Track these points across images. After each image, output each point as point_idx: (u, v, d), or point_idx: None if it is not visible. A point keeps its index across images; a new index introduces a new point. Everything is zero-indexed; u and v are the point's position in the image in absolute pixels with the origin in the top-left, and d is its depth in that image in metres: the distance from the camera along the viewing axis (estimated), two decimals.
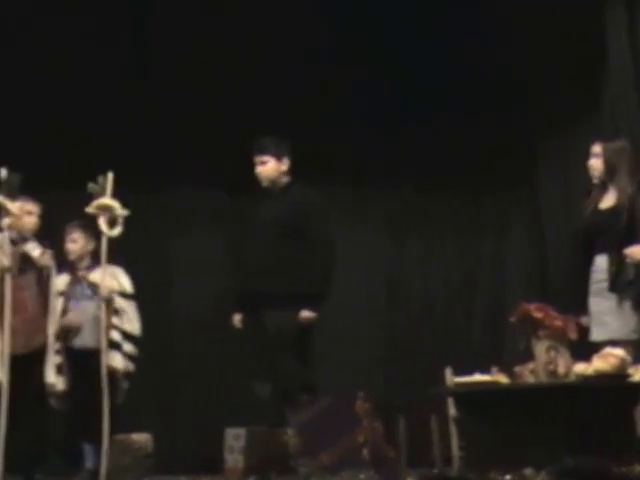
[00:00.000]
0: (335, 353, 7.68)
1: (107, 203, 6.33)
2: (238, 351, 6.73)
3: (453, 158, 8.29)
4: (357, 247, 8.35)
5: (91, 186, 6.28)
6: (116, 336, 6.56)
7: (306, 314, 6.23)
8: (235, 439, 6.00)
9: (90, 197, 6.29)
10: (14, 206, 6.21)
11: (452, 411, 6.25)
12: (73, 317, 6.59)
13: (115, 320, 6.59)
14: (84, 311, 6.62)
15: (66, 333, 6.60)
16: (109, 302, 6.53)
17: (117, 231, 6.36)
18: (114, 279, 6.66)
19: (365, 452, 5.91)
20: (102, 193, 6.32)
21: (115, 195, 6.33)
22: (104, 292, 6.48)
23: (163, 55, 7.97)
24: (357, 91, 8.08)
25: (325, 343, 7.20)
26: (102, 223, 6.33)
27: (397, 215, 8.60)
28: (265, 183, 6.45)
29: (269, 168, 6.40)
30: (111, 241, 6.35)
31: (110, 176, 6.32)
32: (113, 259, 6.58)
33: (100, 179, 6.32)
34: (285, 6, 7.80)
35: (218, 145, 7.81)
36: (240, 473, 5.99)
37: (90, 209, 6.34)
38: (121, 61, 7.91)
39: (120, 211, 6.34)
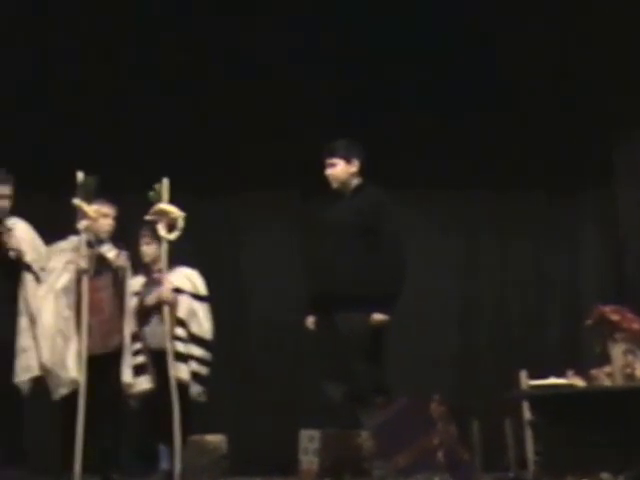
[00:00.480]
0: (410, 355, 7.67)
1: (163, 208, 6.46)
2: (312, 353, 6.73)
3: (529, 158, 8.21)
4: (430, 248, 8.30)
5: (150, 194, 6.41)
6: (180, 347, 6.60)
7: (378, 317, 6.20)
8: (309, 441, 5.99)
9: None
10: (90, 209, 6.33)
11: (527, 414, 6.20)
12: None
13: (179, 330, 6.62)
14: (158, 312, 6.61)
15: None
16: (172, 305, 6.58)
17: (175, 235, 6.47)
18: (188, 281, 6.72)
19: (440, 455, 5.87)
20: (159, 199, 6.45)
21: (186, 198, 6.45)
22: (165, 295, 6.55)
23: (227, 55, 7.99)
24: (422, 90, 8.04)
25: (400, 345, 7.21)
26: (160, 228, 6.47)
27: (471, 216, 8.53)
28: (335, 185, 6.47)
29: (338, 170, 6.42)
30: (186, 243, 6.46)
31: (165, 182, 6.44)
32: (188, 261, 6.68)
33: (157, 186, 6.44)
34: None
35: (293, 146, 7.82)
36: (314, 475, 5.99)
37: (149, 216, 6.49)
38: (186, 62, 7.95)
39: (176, 215, 6.44)
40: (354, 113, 7.78)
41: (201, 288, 6.75)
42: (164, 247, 6.47)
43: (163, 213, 6.44)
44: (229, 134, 7.96)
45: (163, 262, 6.50)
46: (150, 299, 6.63)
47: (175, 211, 6.44)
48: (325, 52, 7.87)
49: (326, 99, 7.86)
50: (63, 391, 6.28)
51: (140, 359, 6.57)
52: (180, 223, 6.44)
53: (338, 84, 7.89)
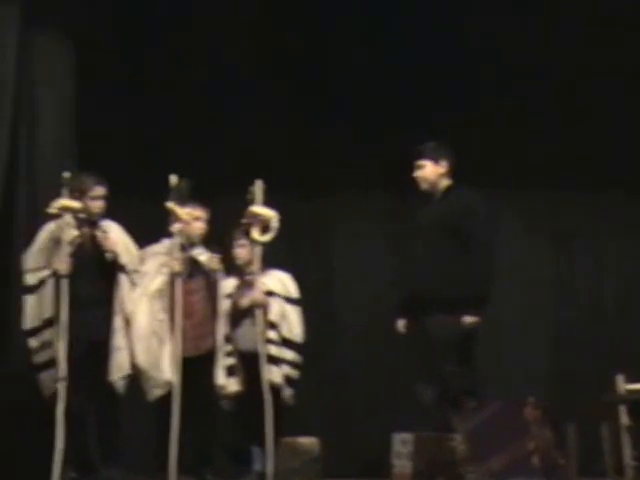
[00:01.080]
0: (504, 358, 7.61)
1: (257, 211, 6.49)
2: (403, 356, 6.71)
3: (628, 158, 8.07)
4: (524, 249, 8.21)
5: (248, 196, 6.44)
6: (273, 350, 6.59)
7: (469, 319, 6.19)
8: (402, 444, 5.98)
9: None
10: (183, 212, 6.39)
11: (624, 419, 6.09)
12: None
13: (271, 333, 6.61)
14: (250, 314, 6.61)
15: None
16: (264, 308, 6.58)
17: (268, 237, 6.50)
18: (280, 284, 6.71)
19: (535, 460, 5.82)
20: (253, 201, 6.48)
21: (281, 201, 6.46)
22: (258, 298, 6.56)
23: (316, 56, 8.02)
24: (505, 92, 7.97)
25: (493, 347, 7.16)
26: (253, 230, 6.50)
27: (565, 216, 8.41)
28: (424, 186, 6.49)
29: (426, 171, 6.44)
30: (279, 246, 6.50)
31: (259, 184, 6.47)
32: (283, 264, 6.73)
33: (252, 188, 6.47)
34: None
35: (386, 148, 7.79)
36: (408, 478, 5.97)
37: (245, 219, 6.52)
38: (280, 62, 7.99)
39: (269, 217, 6.47)
40: (445, 114, 7.72)
41: (293, 291, 6.74)
42: (257, 249, 6.51)
43: (256, 215, 6.47)
44: (324, 136, 7.96)
45: (256, 264, 6.53)
46: (243, 301, 6.66)
47: (268, 213, 6.47)
48: (421, 55, 7.86)
49: (419, 99, 7.82)
50: (157, 392, 6.36)
51: (230, 361, 6.60)
52: (273, 225, 6.47)
53: (430, 85, 7.86)
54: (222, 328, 6.59)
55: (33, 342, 6.32)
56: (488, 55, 7.84)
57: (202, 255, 6.63)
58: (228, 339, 6.61)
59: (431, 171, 6.43)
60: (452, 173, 6.47)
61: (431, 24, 7.75)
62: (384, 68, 7.92)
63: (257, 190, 6.45)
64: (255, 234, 6.48)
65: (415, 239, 6.46)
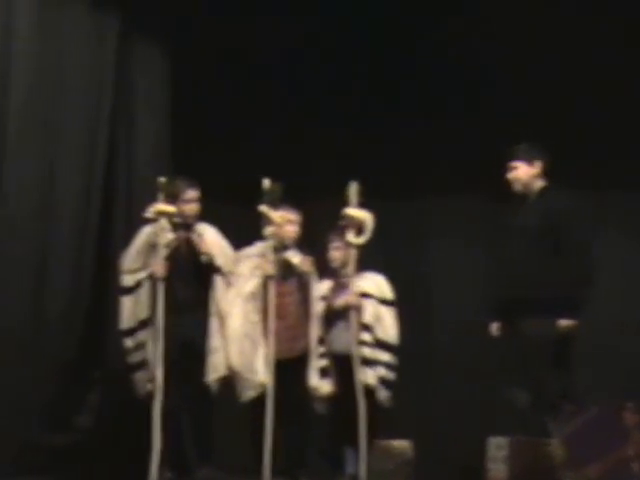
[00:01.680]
0: (602, 361, 7.49)
1: (351, 213, 6.50)
2: (498, 359, 6.66)
3: None
4: (620, 250, 8.08)
5: (345, 199, 6.46)
6: (367, 351, 6.59)
7: (565, 322, 6.13)
8: (498, 448, 5.92)
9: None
10: (276, 215, 6.43)
11: None
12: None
13: (365, 335, 6.60)
14: (344, 316, 6.63)
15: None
16: (358, 311, 6.59)
17: (362, 239, 6.50)
18: (375, 286, 6.71)
19: (635, 466, 5.71)
20: (348, 203, 6.49)
21: (376, 203, 6.46)
22: (352, 300, 6.56)
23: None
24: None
25: (591, 351, 7.05)
26: (349, 232, 6.51)
27: None
28: (517, 188, 6.45)
29: (520, 173, 6.40)
30: (372, 248, 6.48)
31: (354, 186, 6.47)
32: (377, 266, 6.72)
33: (347, 190, 6.48)
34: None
35: (477, 148, 7.76)
36: None
37: (340, 221, 6.52)
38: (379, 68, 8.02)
39: (363, 219, 6.47)
40: (540, 114, 7.65)
41: (387, 293, 6.73)
42: (353, 252, 6.52)
43: (351, 217, 6.48)
44: (417, 138, 7.96)
45: (352, 266, 6.54)
46: (338, 303, 6.68)
47: (363, 215, 6.47)
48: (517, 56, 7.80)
49: (514, 101, 7.78)
50: (251, 394, 6.42)
51: (324, 363, 6.63)
52: (368, 227, 6.47)
53: (525, 86, 7.81)
54: (315, 330, 6.62)
55: (128, 342, 6.44)
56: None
57: (295, 257, 6.67)
58: (322, 341, 6.64)
59: (524, 172, 6.39)
60: (546, 174, 6.42)
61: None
62: (479, 69, 7.90)
63: (352, 192, 6.46)
64: (350, 236, 6.49)
65: (509, 241, 6.41)
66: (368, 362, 6.54)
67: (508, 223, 6.46)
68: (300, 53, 7.99)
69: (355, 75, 8.01)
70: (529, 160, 6.39)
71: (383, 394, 6.61)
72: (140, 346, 6.41)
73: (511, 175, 6.42)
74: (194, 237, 6.52)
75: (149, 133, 7.25)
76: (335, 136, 7.92)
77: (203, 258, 6.47)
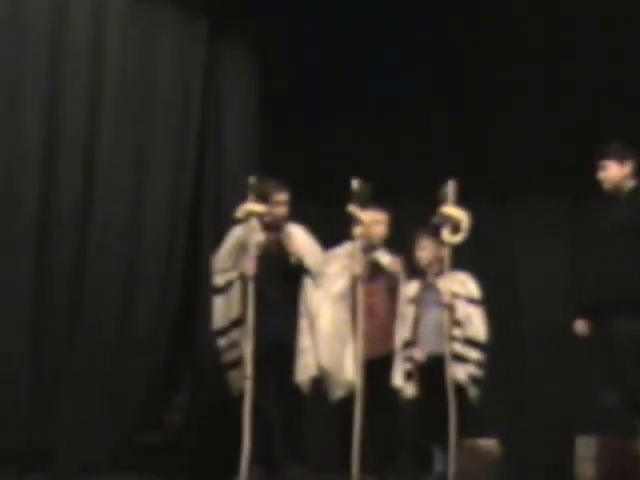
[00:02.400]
0: None
1: (448, 212, 6.48)
2: (586, 358, 6.63)
3: None
4: None
5: (439, 196, 6.46)
6: (458, 347, 6.61)
7: None
8: (586, 447, 5.92)
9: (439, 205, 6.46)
10: (365, 215, 6.46)
11: None
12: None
13: (456, 331, 6.62)
14: (432, 316, 6.70)
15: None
16: (451, 309, 6.61)
17: (459, 239, 6.49)
18: (462, 285, 6.72)
19: None
20: (445, 202, 6.49)
21: (462, 203, 6.45)
22: (446, 299, 6.59)
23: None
24: None
25: None
26: (445, 231, 6.50)
27: None
28: (607, 187, 6.40)
29: (611, 172, 6.36)
30: (459, 248, 6.48)
31: (452, 184, 6.46)
32: (463, 266, 6.71)
33: (443, 188, 6.48)
34: None
35: (564, 149, 7.74)
36: None
37: (435, 219, 6.52)
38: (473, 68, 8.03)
39: (460, 219, 6.46)
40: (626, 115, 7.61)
41: (475, 292, 6.72)
42: (446, 251, 6.53)
43: (448, 216, 6.48)
44: (499, 139, 7.99)
45: (445, 265, 6.56)
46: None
47: (460, 214, 6.47)
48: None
49: (603, 101, 7.74)
50: (340, 393, 6.46)
51: (409, 365, 6.63)
52: (464, 227, 6.46)
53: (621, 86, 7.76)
54: (401, 330, 6.65)
55: (222, 342, 6.51)
56: None
57: (384, 258, 6.70)
58: (410, 343, 6.65)
59: (615, 172, 6.34)
60: (637, 174, 6.38)
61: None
62: (563, 67, 7.86)
63: (449, 190, 6.46)
64: (446, 235, 6.49)
65: (598, 240, 6.37)
66: (459, 358, 6.57)
67: (597, 222, 6.41)
68: (394, 51, 8.00)
69: (445, 76, 8.02)
70: (620, 160, 6.34)
71: (472, 392, 6.61)
72: (233, 345, 6.48)
73: (602, 174, 6.37)
74: (283, 238, 6.58)
75: (237, 134, 7.37)
76: (422, 137, 7.96)
77: (292, 259, 6.53)
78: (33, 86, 6.21)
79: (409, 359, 6.64)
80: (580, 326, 6.46)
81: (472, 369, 6.61)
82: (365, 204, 6.45)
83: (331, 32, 7.87)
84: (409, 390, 6.62)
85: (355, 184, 6.41)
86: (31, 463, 5.86)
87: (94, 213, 6.45)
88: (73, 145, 6.37)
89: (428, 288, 6.77)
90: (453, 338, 6.58)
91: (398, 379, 6.59)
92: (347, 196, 6.43)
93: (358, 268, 6.49)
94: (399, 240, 6.88)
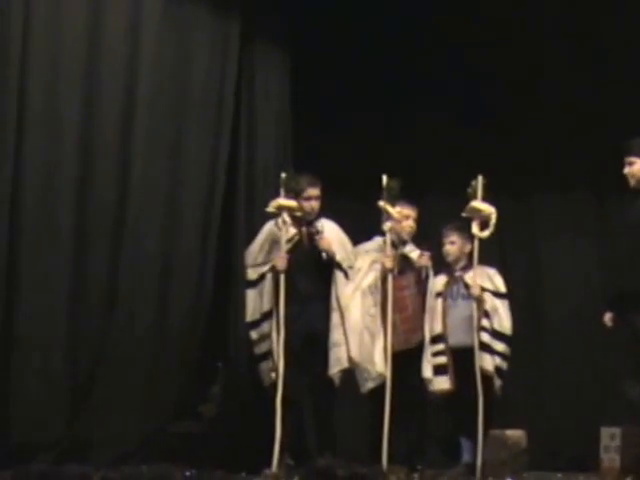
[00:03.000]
0: None
1: (477, 206, 6.54)
2: (611, 350, 6.69)
3: None
4: None
5: (468, 191, 6.53)
6: (486, 338, 6.70)
7: None
8: (611, 438, 5.99)
9: (468, 201, 6.52)
10: (394, 210, 6.53)
11: None
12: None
13: (485, 322, 6.72)
14: (459, 310, 6.82)
15: None
16: (480, 302, 6.70)
17: (487, 233, 6.56)
18: (488, 279, 6.82)
19: None
20: (474, 196, 6.55)
21: (489, 198, 6.52)
22: (475, 292, 6.68)
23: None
24: None
25: None
26: (474, 225, 6.57)
27: None
28: (633, 183, 6.43)
29: (635, 168, 6.38)
30: (485, 242, 6.55)
31: (480, 179, 6.52)
32: (489, 260, 6.78)
33: (473, 183, 6.55)
34: None
35: (588, 146, 7.78)
36: (617, 473, 5.96)
37: (464, 213, 6.58)
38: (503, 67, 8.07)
39: (489, 213, 6.52)
40: None
41: (501, 286, 6.84)
42: (475, 245, 6.59)
43: (477, 211, 6.53)
44: (528, 135, 8.02)
45: (474, 259, 6.63)
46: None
47: (489, 209, 6.52)
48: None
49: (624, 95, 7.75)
50: (370, 385, 6.54)
51: (442, 359, 6.73)
52: (493, 221, 6.52)
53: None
54: (429, 323, 6.72)
55: (253, 334, 6.64)
56: None
57: (412, 252, 6.77)
58: (440, 337, 6.75)
59: (638, 167, 6.36)
60: None
61: None
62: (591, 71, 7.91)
63: (478, 185, 6.51)
64: (475, 229, 6.55)
65: (624, 235, 6.45)
66: (487, 349, 6.66)
67: (623, 218, 6.46)
68: (425, 49, 8.06)
69: (476, 74, 8.05)
70: None
71: (497, 383, 6.71)
72: (264, 337, 6.59)
73: (627, 170, 6.40)
74: (314, 234, 6.65)
75: (270, 131, 7.43)
76: (452, 134, 7.99)
77: (323, 255, 6.61)
78: (70, 86, 6.32)
79: (441, 352, 6.73)
80: (607, 318, 6.51)
81: (498, 360, 6.72)
82: (395, 199, 6.52)
83: (362, 30, 7.94)
84: (442, 383, 6.69)
85: (385, 180, 6.47)
86: (68, 453, 5.95)
87: (129, 211, 6.56)
88: (109, 144, 6.49)
89: (455, 282, 6.88)
90: (482, 329, 6.68)
91: (427, 371, 6.67)
92: (377, 192, 6.50)
93: (389, 262, 6.57)
94: (428, 235, 6.98)
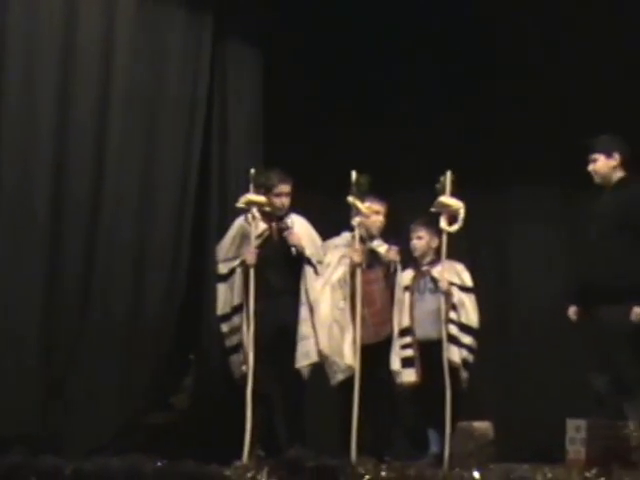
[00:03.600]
0: None
1: (446, 201, 6.59)
2: (577, 343, 6.77)
3: None
4: None
5: (437, 186, 6.59)
6: (453, 330, 6.80)
7: (638, 310, 6.22)
8: (576, 430, 6.00)
9: (436, 196, 6.59)
10: (363, 206, 6.57)
11: None
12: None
13: (452, 314, 6.82)
14: (426, 304, 6.91)
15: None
16: (448, 295, 6.79)
17: (455, 227, 6.61)
18: (456, 274, 6.91)
19: None
20: (443, 191, 6.60)
21: (457, 193, 6.57)
22: (444, 285, 6.77)
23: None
24: None
25: None
26: (442, 220, 6.62)
27: None
28: (597, 180, 6.55)
29: (599, 165, 6.49)
30: (453, 237, 6.62)
31: (449, 175, 6.56)
32: (455, 255, 6.86)
33: (441, 178, 6.61)
34: None
35: (556, 140, 7.82)
36: (582, 464, 6.01)
37: (433, 208, 6.62)
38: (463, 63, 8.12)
39: (458, 208, 6.57)
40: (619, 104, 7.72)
41: (468, 281, 6.94)
42: (443, 239, 6.64)
43: (445, 206, 6.59)
44: (496, 130, 8.12)
45: (442, 254, 6.69)
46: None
47: (457, 204, 6.57)
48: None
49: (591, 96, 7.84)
50: (340, 377, 6.60)
51: (409, 352, 6.82)
52: (461, 216, 6.57)
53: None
54: (398, 316, 6.79)
55: (224, 327, 6.71)
56: None
57: (380, 247, 6.85)
58: (407, 331, 6.84)
59: (603, 164, 6.48)
60: (626, 165, 6.50)
61: None
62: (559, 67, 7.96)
63: (447, 181, 6.56)
64: (444, 224, 6.60)
65: (588, 228, 6.52)
66: (454, 341, 6.75)
67: (589, 211, 6.57)
68: (393, 44, 8.10)
69: (444, 69, 8.12)
70: (608, 152, 6.47)
71: (463, 375, 6.81)
72: (235, 330, 6.66)
73: (591, 167, 6.52)
74: (284, 229, 6.74)
75: (242, 128, 7.52)
76: (430, 129, 8.07)
77: (293, 250, 6.69)
78: (46, 83, 6.42)
79: (408, 345, 6.82)
80: (571, 311, 6.62)
81: (465, 353, 6.83)
82: (364, 195, 6.56)
83: (333, 28, 7.99)
84: (409, 376, 6.78)
85: (354, 176, 6.51)
86: (41, 445, 6.00)
87: (104, 202, 6.67)
88: (84, 138, 6.61)
89: (422, 276, 6.99)
90: (450, 321, 6.78)
91: (396, 364, 6.74)
92: (347, 187, 6.53)
93: (357, 257, 6.62)
94: (396, 230, 7.05)
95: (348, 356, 6.57)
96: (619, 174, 6.51)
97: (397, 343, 6.78)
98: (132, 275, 6.77)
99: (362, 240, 6.75)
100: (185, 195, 7.09)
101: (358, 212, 6.57)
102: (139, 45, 6.84)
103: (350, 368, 6.54)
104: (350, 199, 6.54)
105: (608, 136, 6.55)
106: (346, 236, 6.84)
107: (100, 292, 6.61)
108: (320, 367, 6.68)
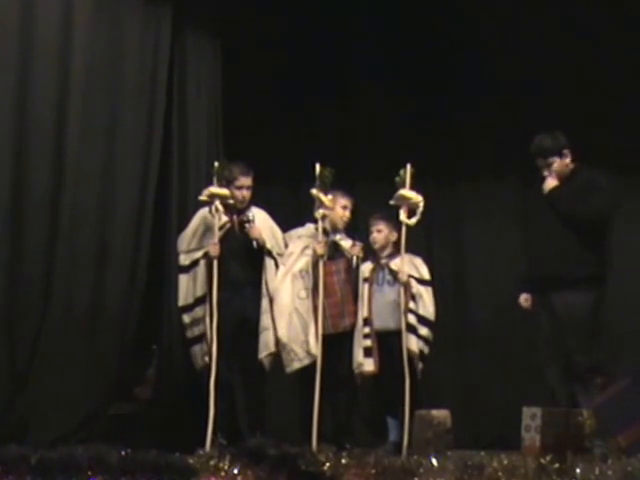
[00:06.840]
0: (633, 335, 7.49)
1: (405, 194, 6.69)
2: (532, 332, 6.89)
3: None
4: None
5: (397, 179, 6.69)
6: (412, 320, 6.89)
7: (592, 296, 6.39)
8: (532, 418, 6.09)
9: (396, 189, 6.68)
10: (327, 199, 6.65)
11: None
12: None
13: (412, 305, 6.92)
14: (385, 295, 6.99)
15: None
16: (407, 287, 6.89)
17: (415, 220, 6.72)
18: (414, 267, 7.00)
19: None
20: (402, 185, 6.70)
21: (416, 186, 6.67)
22: (403, 277, 6.87)
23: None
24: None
25: (622, 325, 7.26)
26: (402, 213, 6.73)
27: None
28: (556, 181, 6.61)
29: (556, 167, 6.57)
30: (412, 230, 6.72)
31: (409, 168, 6.65)
32: (416, 246, 6.96)
33: (401, 172, 6.71)
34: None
35: (513, 131, 7.84)
36: (537, 451, 6.12)
37: (392, 200, 6.73)
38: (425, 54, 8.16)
39: (417, 201, 6.68)
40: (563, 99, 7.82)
41: (425, 274, 7.02)
42: (403, 232, 6.73)
43: (404, 199, 6.68)
44: (455, 127, 8.16)
45: (402, 246, 6.78)
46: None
47: (417, 197, 6.68)
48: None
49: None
50: (297, 365, 6.71)
51: (367, 342, 6.91)
52: (420, 209, 6.69)
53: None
54: (360, 309, 6.91)
55: (186, 318, 6.78)
56: None
57: (344, 241, 6.96)
58: (366, 322, 6.92)
59: (559, 165, 6.57)
60: (575, 156, 6.61)
61: None
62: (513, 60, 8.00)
63: (407, 174, 6.64)
64: (403, 217, 6.70)
65: (541, 220, 6.64)
66: (413, 330, 6.85)
67: (541, 202, 6.62)
68: (346, 34, 8.19)
69: (403, 60, 8.14)
70: (560, 153, 6.56)
71: (419, 366, 6.90)
72: (197, 321, 6.73)
73: (547, 173, 6.57)
74: (245, 222, 6.80)
75: (202, 118, 7.52)
76: (390, 124, 8.12)
77: (254, 243, 6.76)
78: (4, 74, 6.42)
79: (367, 336, 6.91)
80: (522, 299, 6.77)
81: (421, 344, 6.92)
82: (327, 188, 6.63)
83: (293, 15, 8.01)
84: (368, 366, 6.88)
85: (318, 168, 6.59)
86: (6, 434, 6.02)
87: (65, 195, 6.67)
88: (43, 131, 6.60)
89: (381, 269, 7.06)
90: (410, 311, 6.87)
91: (359, 354, 6.86)
92: (309, 179, 6.63)
93: (320, 249, 6.70)
94: (356, 222, 7.16)
95: (310, 345, 6.66)
96: (571, 166, 6.62)
97: (359, 334, 6.88)
98: (93, 267, 6.79)
99: (325, 232, 6.83)
100: (146, 187, 7.10)
101: (321, 204, 6.64)
102: (97, 37, 6.84)
103: (309, 356, 6.63)
104: (314, 191, 6.61)
105: (550, 135, 6.61)
106: (310, 227, 6.94)
107: (62, 284, 6.63)
108: (280, 357, 6.77)
